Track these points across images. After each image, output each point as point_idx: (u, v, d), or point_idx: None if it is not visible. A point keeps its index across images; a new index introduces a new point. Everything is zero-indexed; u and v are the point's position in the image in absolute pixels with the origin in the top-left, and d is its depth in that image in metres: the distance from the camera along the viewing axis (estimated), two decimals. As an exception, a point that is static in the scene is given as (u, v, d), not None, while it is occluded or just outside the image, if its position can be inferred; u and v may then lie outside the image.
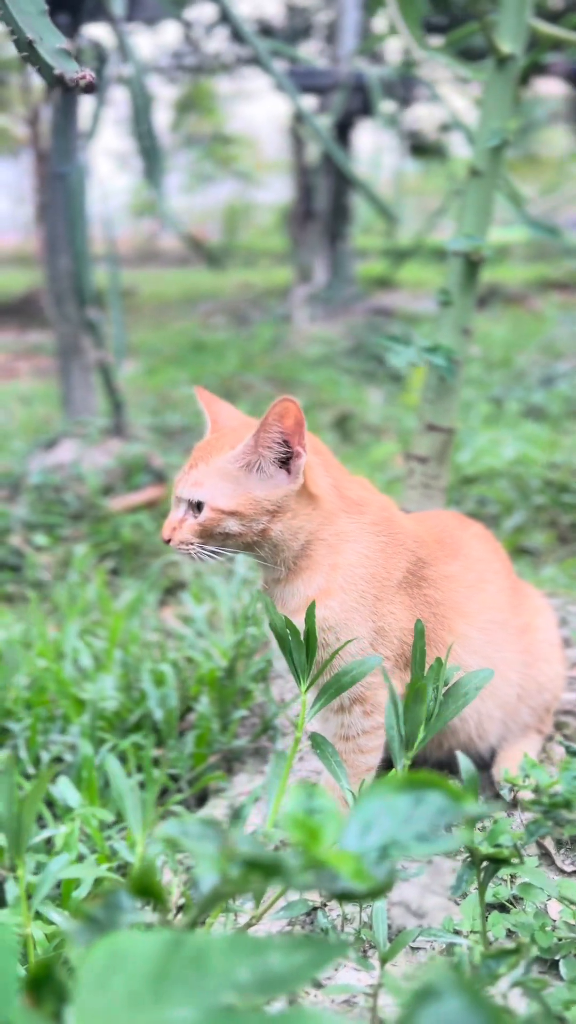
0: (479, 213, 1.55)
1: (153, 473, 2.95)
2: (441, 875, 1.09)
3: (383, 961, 0.80)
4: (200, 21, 7.09)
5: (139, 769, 1.44)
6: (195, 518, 1.02)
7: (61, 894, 1.16)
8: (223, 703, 1.54)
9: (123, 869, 1.23)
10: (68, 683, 1.61)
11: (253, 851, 0.37)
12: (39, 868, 1.20)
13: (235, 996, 0.35)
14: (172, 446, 3.41)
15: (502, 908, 1.01)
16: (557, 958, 0.89)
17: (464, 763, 0.78)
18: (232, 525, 1.01)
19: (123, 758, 1.48)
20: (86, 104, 3.02)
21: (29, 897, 1.06)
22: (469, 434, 3.28)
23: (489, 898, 1.01)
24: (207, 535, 1.02)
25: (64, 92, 0.98)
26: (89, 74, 0.98)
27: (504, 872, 1.02)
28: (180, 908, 1.14)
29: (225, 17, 3.17)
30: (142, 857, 0.87)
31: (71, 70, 0.97)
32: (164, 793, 1.44)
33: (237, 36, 4.38)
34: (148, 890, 0.41)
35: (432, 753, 1.22)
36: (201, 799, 1.44)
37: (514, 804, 1.18)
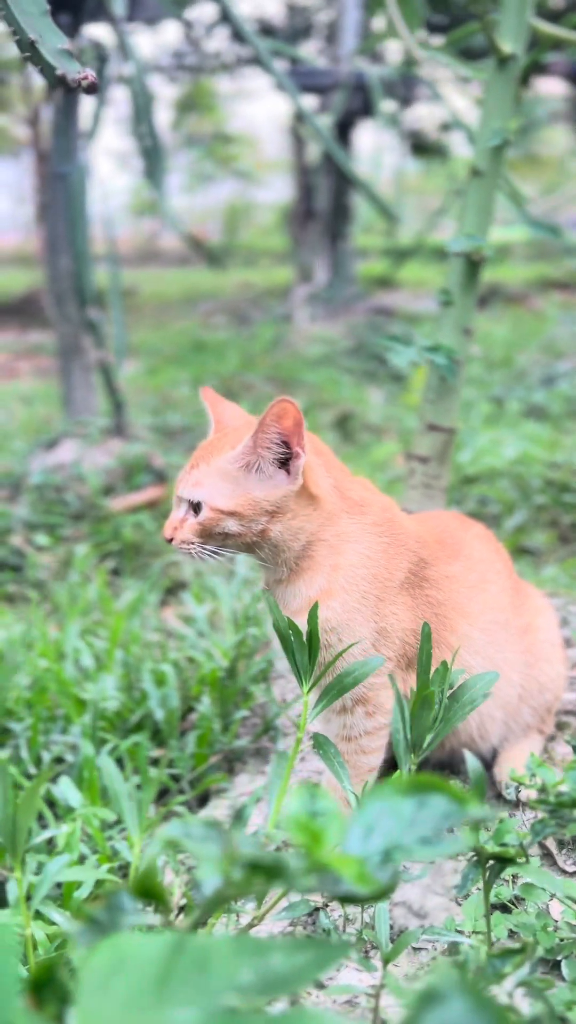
0: (480, 213, 1.55)
1: (154, 473, 2.95)
2: (443, 876, 1.09)
3: (385, 961, 0.80)
4: (201, 21, 7.09)
5: (138, 771, 1.44)
6: (195, 518, 1.02)
7: (62, 894, 1.16)
8: (224, 703, 1.54)
9: (124, 869, 1.23)
10: (69, 683, 1.61)
11: (256, 853, 0.37)
12: (40, 869, 1.20)
13: (237, 997, 0.35)
14: (173, 446, 3.41)
15: (504, 909, 1.01)
16: (559, 959, 0.89)
17: (472, 763, 0.78)
18: (231, 525, 1.01)
19: (123, 759, 1.48)
20: (87, 104, 3.02)
21: (29, 898, 1.06)
22: (470, 434, 3.27)
23: (491, 899, 1.00)
24: (207, 535, 1.02)
25: (66, 92, 0.98)
26: (91, 74, 0.98)
27: (506, 872, 1.02)
28: (182, 909, 1.14)
29: (226, 17, 3.17)
30: (141, 858, 0.87)
31: (73, 70, 0.96)
32: (166, 793, 1.44)
33: (238, 36, 4.38)
34: (150, 892, 0.41)
35: (434, 753, 1.22)
36: (203, 800, 1.44)
37: (517, 804, 1.18)
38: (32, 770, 1.46)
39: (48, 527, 2.66)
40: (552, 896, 1.00)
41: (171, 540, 1.04)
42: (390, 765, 1.14)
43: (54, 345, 3.40)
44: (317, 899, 1.02)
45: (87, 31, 3.02)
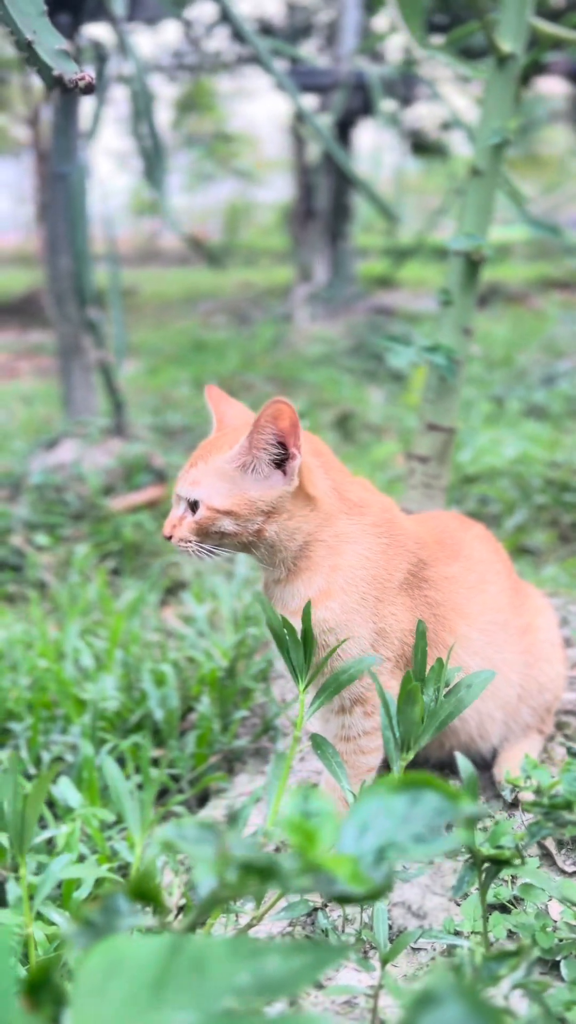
0: (480, 212, 1.54)
1: (154, 473, 2.95)
2: (442, 875, 1.08)
3: (384, 962, 0.80)
4: (200, 20, 7.09)
5: (139, 770, 1.44)
6: (193, 516, 1.03)
7: (62, 894, 1.16)
8: (224, 703, 1.54)
9: (124, 869, 1.23)
10: (69, 683, 1.61)
11: (249, 856, 0.37)
12: (40, 868, 1.20)
13: (234, 1000, 0.35)
14: (173, 446, 3.41)
15: (503, 909, 1.01)
16: (558, 959, 0.89)
17: (463, 763, 0.78)
18: (227, 524, 1.01)
19: (123, 759, 1.48)
20: (86, 104, 3.02)
21: (31, 898, 1.06)
22: (470, 433, 3.27)
23: (490, 899, 1.00)
24: (203, 533, 1.02)
25: (63, 93, 0.98)
26: (88, 75, 0.98)
27: (505, 873, 1.02)
28: (181, 908, 1.14)
29: (225, 16, 3.17)
30: (141, 859, 0.87)
31: (70, 71, 0.96)
32: (165, 793, 1.44)
33: (237, 35, 4.38)
34: (146, 894, 0.41)
35: (433, 753, 1.22)
36: (202, 799, 1.44)
37: (515, 804, 1.18)
38: (32, 770, 1.46)
39: (48, 527, 2.66)
40: (551, 896, 1.00)
41: (170, 538, 1.05)
42: (390, 766, 1.14)
43: (54, 345, 3.40)
44: (316, 899, 1.02)
45: (87, 31, 3.02)
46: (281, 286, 8.42)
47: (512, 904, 1.01)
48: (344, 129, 6.34)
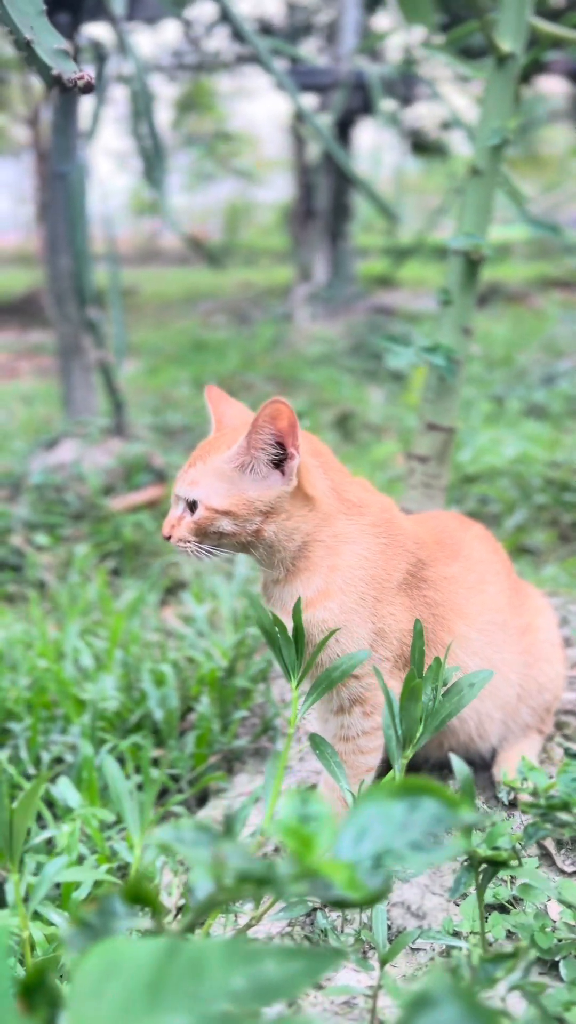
0: (479, 211, 1.54)
1: (154, 473, 2.95)
2: (441, 876, 1.08)
3: (383, 962, 0.80)
4: (200, 20, 7.09)
5: (139, 770, 1.44)
6: (191, 516, 1.03)
7: (61, 895, 1.16)
8: (224, 703, 1.54)
9: (124, 870, 1.23)
10: (69, 683, 1.61)
11: (244, 863, 0.37)
12: (40, 869, 1.20)
13: (230, 1004, 0.35)
14: (173, 445, 3.41)
15: (502, 909, 1.01)
16: (557, 959, 0.89)
17: (458, 766, 0.77)
18: (226, 524, 1.01)
19: (123, 759, 1.48)
20: (86, 104, 3.02)
21: (27, 900, 1.06)
22: (470, 433, 3.27)
23: (489, 899, 1.00)
24: (202, 533, 1.02)
25: (62, 92, 0.98)
26: (87, 74, 0.98)
27: (504, 873, 1.02)
28: (181, 909, 1.14)
29: (225, 16, 3.17)
30: (140, 860, 0.87)
31: (69, 70, 0.96)
32: (165, 793, 1.44)
33: (237, 35, 4.38)
34: (142, 896, 0.41)
35: (432, 753, 1.21)
36: (202, 799, 1.44)
37: (513, 805, 1.18)
38: (31, 770, 1.46)
39: (48, 527, 2.66)
40: (550, 897, 1.00)
41: (168, 538, 1.05)
42: (388, 766, 1.14)
43: (54, 345, 3.40)
44: (315, 900, 1.02)
45: (86, 30, 3.02)
46: (281, 286, 8.42)
47: (511, 904, 1.01)
48: (344, 128, 6.34)
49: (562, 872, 1.07)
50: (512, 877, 1.03)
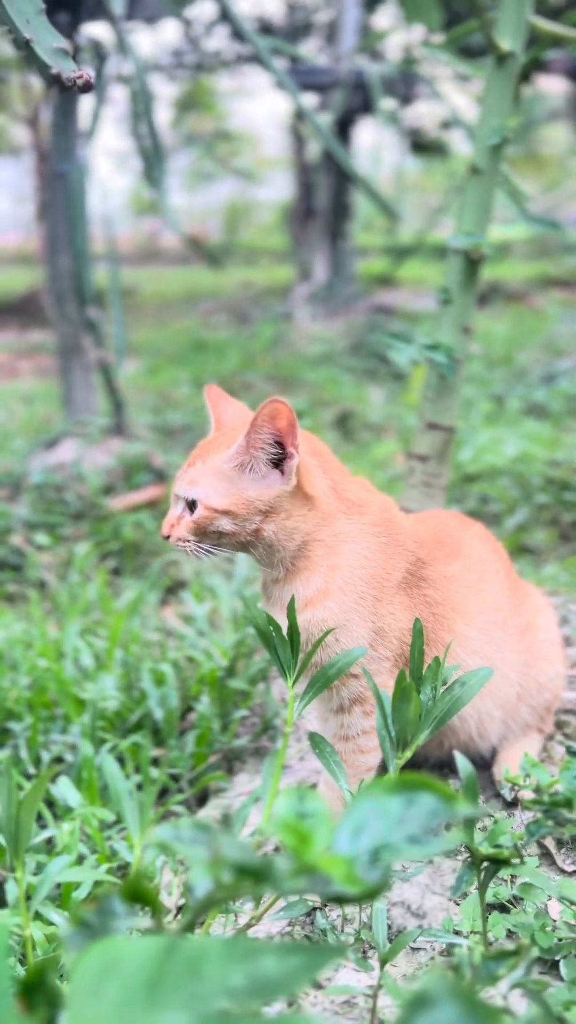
0: (479, 210, 1.54)
1: (154, 472, 2.95)
2: (441, 875, 1.08)
3: (383, 962, 0.80)
4: (200, 19, 7.08)
5: (139, 770, 1.44)
6: (191, 516, 1.03)
7: (61, 895, 1.16)
8: (224, 703, 1.54)
9: (124, 869, 1.23)
10: (69, 683, 1.61)
11: (242, 858, 0.37)
12: (40, 868, 1.20)
13: (229, 1002, 0.35)
14: (173, 445, 3.41)
15: (502, 908, 1.01)
16: (557, 958, 0.89)
17: (462, 763, 0.77)
18: (225, 524, 1.01)
19: (123, 758, 1.48)
20: (86, 103, 3.02)
21: (29, 898, 1.06)
22: (470, 432, 3.27)
23: (489, 898, 1.00)
24: (201, 533, 1.02)
25: (61, 91, 0.98)
26: (86, 73, 0.98)
27: (504, 872, 1.02)
28: (181, 908, 1.14)
29: (225, 15, 3.17)
30: (140, 860, 0.87)
31: (68, 69, 0.96)
32: (165, 793, 1.44)
33: (237, 34, 4.38)
34: (140, 895, 0.41)
35: (432, 752, 1.21)
36: (202, 799, 1.44)
37: (514, 803, 1.18)
38: (31, 770, 1.46)
39: (48, 526, 2.66)
40: (550, 896, 0.99)
41: (168, 537, 1.05)
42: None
43: (54, 345, 3.40)
44: (315, 899, 1.02)
45: (86, 30, 3.01)
46: (281, 285, 8.42)
47: (511, 903, 1.01)
48: (344, 128, 6.34)
49: (562, 871, 1.07)
50: (512, 876, 1.03)
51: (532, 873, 0.81)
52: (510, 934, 0.95)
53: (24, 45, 0.98)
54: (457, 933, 0.97)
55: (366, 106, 5.79)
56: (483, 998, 0.79)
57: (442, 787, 0.39)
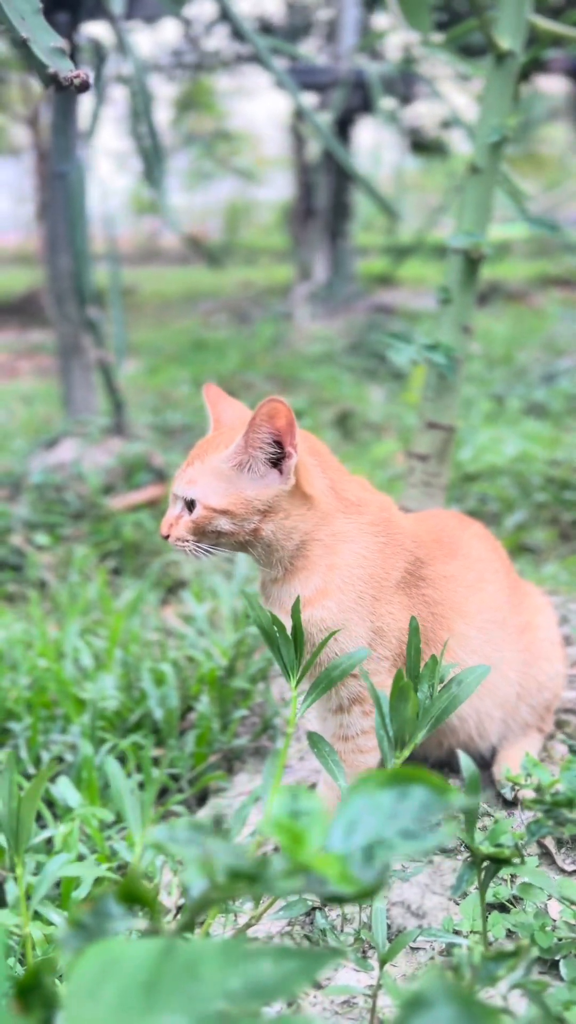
0: (478, 210, 1.54)
1: (154, 472, 2.95)
2: (441, 875, 1.08)
3: (383, 962, 0.80)
4: (200, 19, 7.08)
5: (139, 769, 1.44)
6: (189, 515, 1.03)
7: (61, 894, 1.15)
8: (224, 702, 1.54)
9: (123, 869, 1.23)
10: (69, 683, 1.61)
11: (234, 860, 0.36)
12: (39, 868, 1.19)
13: (227, 1004, 0.34)
14: (173, 445, 3.41)
15: (502, 908, 1.01)
16: (557, 958, 0.88)
17: (465, 761, 0.77)
18: (224, 524, 1.01)
19: (123, 758, 1.48)
20: (85, 103, 3.02)
21: (29, 898, 1.05)
22: (470, 431, 3.27)
23: (489, 898, 1.00)
24: (200, 532, 1.02)
25: (58, 90, 0.98)
26: (83, 72, 0.97)
27: (504, 871, 1.02)
28: (180, 908, 1.14)
29: (225, 14, 3.16)
30: (138, 860, 0.87)
31: (65, 68, 0.96)
32: (165, 793, 1.44)
33: (237, 34, 4.37)
34: (137, 896, 0.41)
35: (432, 752, 1.21)
36: (202, 799, 1.44)
37: (514, 803, 1.18)
38: (31, 770, 1.46)
39: (48, 526, 2.66)
40: (550, 895, 0.99)
41: (167, 537, 1.05)
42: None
43: (54, 344, 3.40)
44: (315, 898, 1.02)
45: (86, 29, 3.01)
46: (281, 285, 8.42)
47: (511, 903, 1.00)
48: (344, 127, 6.34)
49: (562, 871, 1.07)
50: (512, 876, 1.03)
51: (532, 873, 0.81)
52: (510, 934, 0.95)
53: (21, 44, 0.98)
54: (457, 933, 0.96)
55: (366, 105, 5.79)
56: (482, 998, 0.78)
57: (434, 779, 0.39)
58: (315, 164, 6.63)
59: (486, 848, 0.76)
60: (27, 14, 0.96)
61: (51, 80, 0.97)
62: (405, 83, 5.84)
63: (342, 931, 1.00)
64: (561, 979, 0.86)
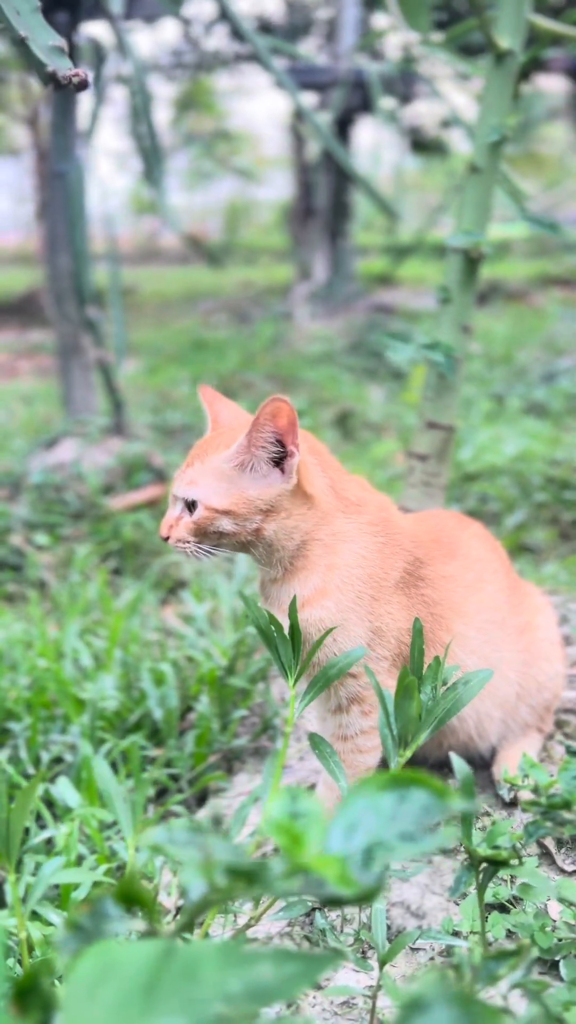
0: (478, 209, 1.54)
1: (153, 472, 2.95)
2: (441, 875, 1.08)
3: (382, 963, 0.80)
4: (199, 18, 7.08)
5: (143, 768, 1.44)
6: (190, 516, 1.02)
7: (60, 895, 1.15)
8: (223, 702, 1.54)
9: (123, 869, 1.23)
10: (68, 683, 1.61)
11: (234, 860, 0.36)
12: (39, 869, 1.19)
13: (226, 1006, 0.34)
14: (173, 445, 3.41)
15: (502, 908, 1.01)
16: (557, 959, 0.88)
17: (458, 763, 0.77)
18: (226, 524, 1.00)
19: (125, 758, 1.47)
20: (85, 103, 3.01)
21: (26, 899, 1.05)
22: (470, 431, 3.27)
23: (489, 898, 1.00)
24: (201, 533, 1.02)
25: (57, 89, 0.98)
26: (82, 71, 0.97)
27: (504, 872, 1.01)
28: (180, 908, 1.13)
29: (224, 14, 3.16)
30: (133, 861, 0.86)
31: (63, 67, 0.96)
32: (165, 793, 1.44)
33: (236, 33, 4.37)
34: (134, 898, 0.40)
35: (432, 753, 1.21)
36: (201, 799, 1.43)
37: (514, 803, 1.18)
38: (31, 770, 1.46)
39: (48, 526, 2.66)
40: (550, 896, 0.99)
41: (167, 538, 1.04)
42: (388, 765, 1.14)
43: (54, 344, 3.40)
44: (311, 897, 1.02)
45: (85, 29, 3.01)
46: (281, 285, 8.42)
47: (511, 904, 1.00)
48: (343, 127, 6.34)
49: (562, 871, 1.07)
50: (512, 876, 1.03)
51: (531, 873, 0.81)
52: (510, 934, 0.95)
53: (19, 42, 0.98)
54: (456, 934, 0.96)
55: (365, 105, 5.79)
56: (482, 999, 0.78)
57: (434, 782, 0.39)
58: (315, 164, 6.63)
59: (483, 850, 0.76)
60: (25, 12, 0.96)
61: (50, 79, 0.97)
62: (405, 83, 5.84)
63: (342, 932, 1.00)
64: (561, 979, 0.86)
